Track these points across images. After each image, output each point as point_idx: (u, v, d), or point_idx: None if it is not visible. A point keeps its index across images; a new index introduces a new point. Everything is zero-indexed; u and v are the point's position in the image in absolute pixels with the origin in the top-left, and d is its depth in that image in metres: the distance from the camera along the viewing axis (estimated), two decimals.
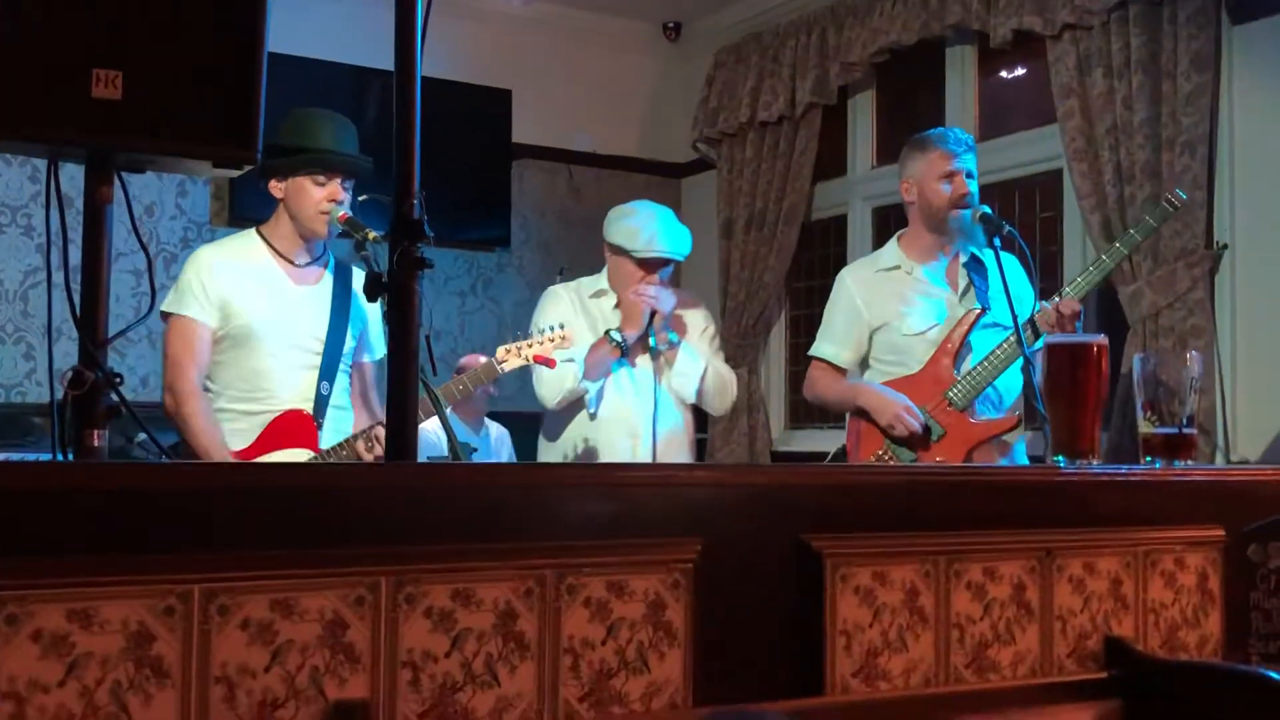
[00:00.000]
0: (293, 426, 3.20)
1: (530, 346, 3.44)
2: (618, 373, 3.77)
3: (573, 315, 3.74)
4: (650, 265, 3.69)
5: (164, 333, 3.26)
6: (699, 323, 3.92)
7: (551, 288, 3.95)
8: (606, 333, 3.68)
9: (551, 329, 3.48)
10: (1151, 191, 4.27)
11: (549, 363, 3.49)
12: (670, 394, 3.78)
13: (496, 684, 1.36)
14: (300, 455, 3.17)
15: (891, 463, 3.40)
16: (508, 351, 3.44)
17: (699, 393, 3.81)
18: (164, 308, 3.23)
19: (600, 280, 3.84)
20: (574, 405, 3.78)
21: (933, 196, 3.53)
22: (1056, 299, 3.31)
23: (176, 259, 5.63)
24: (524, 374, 3.70)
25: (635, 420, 3.74)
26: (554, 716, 1.39)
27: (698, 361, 3.78)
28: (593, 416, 3.78)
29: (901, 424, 3.42)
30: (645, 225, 3.70)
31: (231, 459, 3.13)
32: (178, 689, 1.21)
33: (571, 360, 3.67)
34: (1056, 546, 1.76)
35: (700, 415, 4.14)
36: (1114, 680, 1.77)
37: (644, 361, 3.76)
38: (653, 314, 3.66)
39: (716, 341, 3.97)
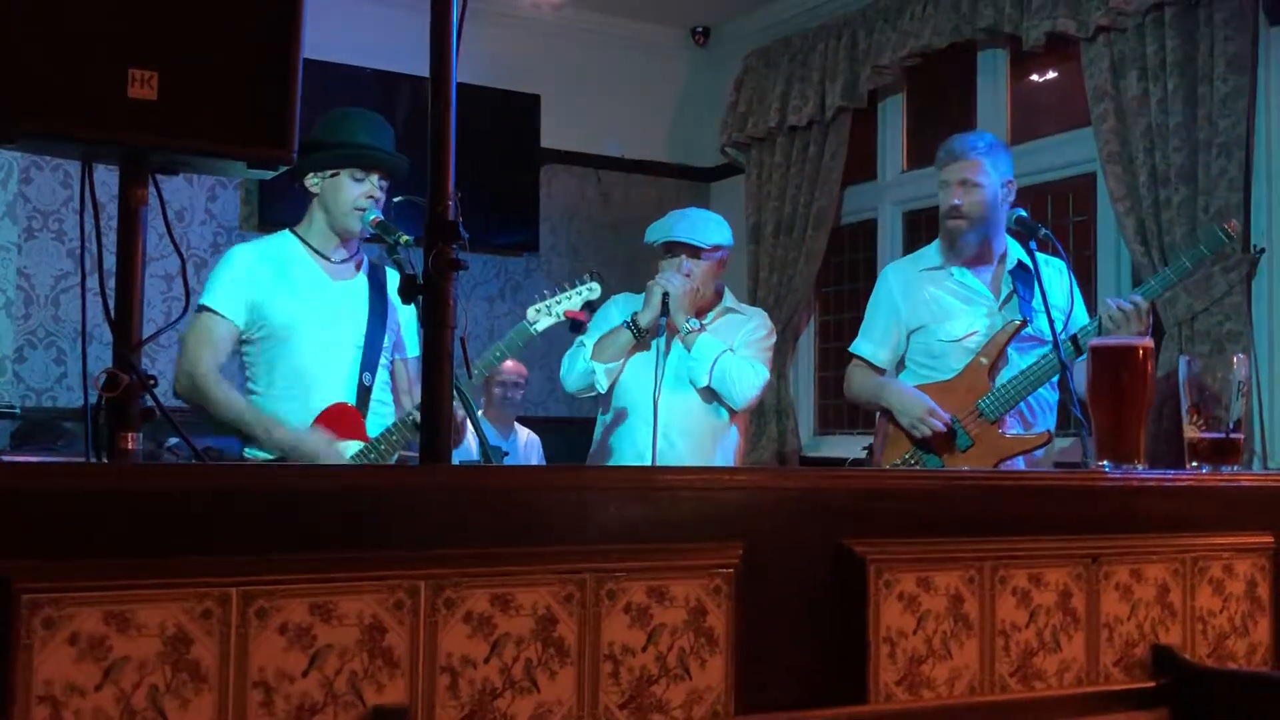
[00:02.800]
0: (340, 418, 3.20)
1: (559, 303, 3.44)
2: (636, 359, 3.79)
3: (619, 313, 3.82)
4: (670, 250, 3.76)
5: (188, 324, 3.26)
6: (751, 325, 3.90)
7: (614, 296, 3.98)
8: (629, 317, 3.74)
9: (579, 283, 3.49)
10: (1187, 194, 4.22)
11: (579, 316, 3.49)
12: (688, 383, 3.77)
13: (536, 690, 1.34)
14: (351, 447, 3.17)
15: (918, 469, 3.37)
16: (538, 311, 3.43)
17: (712, 377, 3.74)
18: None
19: None
20: (589, 390, 3.83)
21: (940, 205, 3.54)
22: (1110, 311, 3.22)
23: (206, 264, 5.63)
24: (552, 378, 3.70)
25: (642, 405, 3.74)
26: None
27: (715, 348, 3.75)
28: (605, 404, 3.83)
29: (925, 426, 3.39)
30: (667, 219, 3.82)
31: (261, 416, 3.16)
32: (215, 693, 1.20)
33: (583, 345, 3.75)
34: (1103, 553, 1.73)
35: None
36: (1162, 689, 1.73)
37: (658, 347, 3.76)
38: (665, 298, 3.67)
39: (761, 345, 3.89)
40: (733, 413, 3.82)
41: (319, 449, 3.11)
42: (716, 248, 3.78)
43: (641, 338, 3.72)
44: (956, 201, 3.47)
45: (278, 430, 3.14)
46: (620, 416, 3.81)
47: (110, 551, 1.17)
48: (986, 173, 3.48)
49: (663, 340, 3.70)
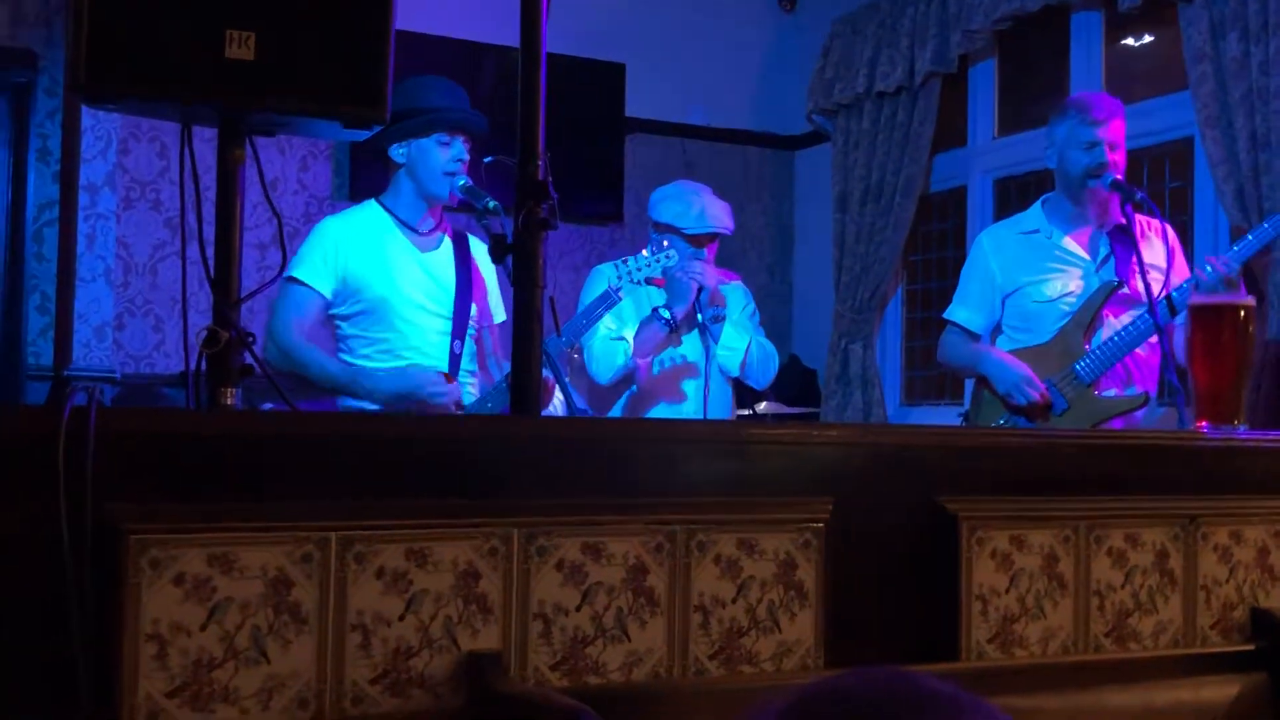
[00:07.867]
0: None
1: (640, 270, 3.49)
2: (668, 350, 3.84)
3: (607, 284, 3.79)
4: (699, 241, 3.76)
5: (276, 294, 3.30)
6: (740, 300, 4.00)
7: (598, 266, 4.00)
8: (655, 309, 3.72)
9: (657, 250, 3.52)
10: None
11: (660, 283, 3.58)
12: (717, 369, 3.85)
13: (626, 638, 1.35)
14: None
15: None
16: (620, 278, 3.49)
17: (744, 366, 3.87)
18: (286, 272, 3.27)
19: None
20: (623, 382, 3.84)
21: (1069, 165, 3.43)
22: (1207, 272, 3.15)
23: (298, 233, 5.71)
24: None
25: (686, 395, 3.81)
26: (684, 673, 1.38)
27: (743, 336, 3.86)
28: (642, 394, 3.85)
29: (1020, 394, 3.36)
30: (694, 202, 3.79)
31: (354, 370, 3.19)
32: (315, 635, 1.22)
33: (622, 338, 3.76)
34: (1201, 514, 1.69)
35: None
36: (1260, 653, 1.70)
37: (692, 338, 3.81)
38: (699, 290, 3.70)
39: (757, 318, 4.05)
40: (733, 383, 3.97)
41: (423, 376, 3.15)
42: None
43: (675, 330, 3.76)
44: (1115, 161, 3.37)
45: (376, 376, 3.16)
46: (650, 407, 3.86)
47: (214, 496, 1.21)
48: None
49: (700, 339, 3.76)
